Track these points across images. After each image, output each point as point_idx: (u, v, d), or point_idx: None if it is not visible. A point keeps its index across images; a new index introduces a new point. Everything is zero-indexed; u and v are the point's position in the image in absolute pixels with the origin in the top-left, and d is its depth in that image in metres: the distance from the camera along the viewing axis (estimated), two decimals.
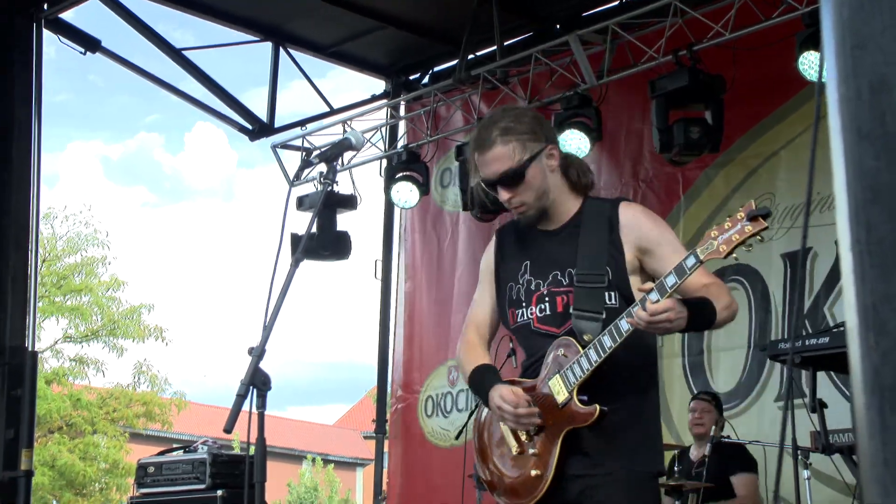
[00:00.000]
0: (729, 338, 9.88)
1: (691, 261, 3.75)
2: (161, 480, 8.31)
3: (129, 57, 12.03)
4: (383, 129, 12.37)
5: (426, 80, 12.41)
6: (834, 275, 9.14)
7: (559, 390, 4.06)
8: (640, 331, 3.88)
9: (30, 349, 10.96)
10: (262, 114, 12.66)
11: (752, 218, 3.70)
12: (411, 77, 12.62)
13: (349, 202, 11.51)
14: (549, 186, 4.15)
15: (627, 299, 4.04)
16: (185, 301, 53.16)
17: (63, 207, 26.06)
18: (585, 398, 4.00)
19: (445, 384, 12.26)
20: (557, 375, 4.08)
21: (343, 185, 11.65)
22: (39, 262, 11.47)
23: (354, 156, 11.38)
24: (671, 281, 3.75)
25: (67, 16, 11.56)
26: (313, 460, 40.30)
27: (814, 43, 8.22)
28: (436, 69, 12.30)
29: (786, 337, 9.20)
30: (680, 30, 9.30)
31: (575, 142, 9.75)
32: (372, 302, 13.38)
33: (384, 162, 12.14)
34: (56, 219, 25.00)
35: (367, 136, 11.69)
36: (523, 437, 4.19)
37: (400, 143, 12.15)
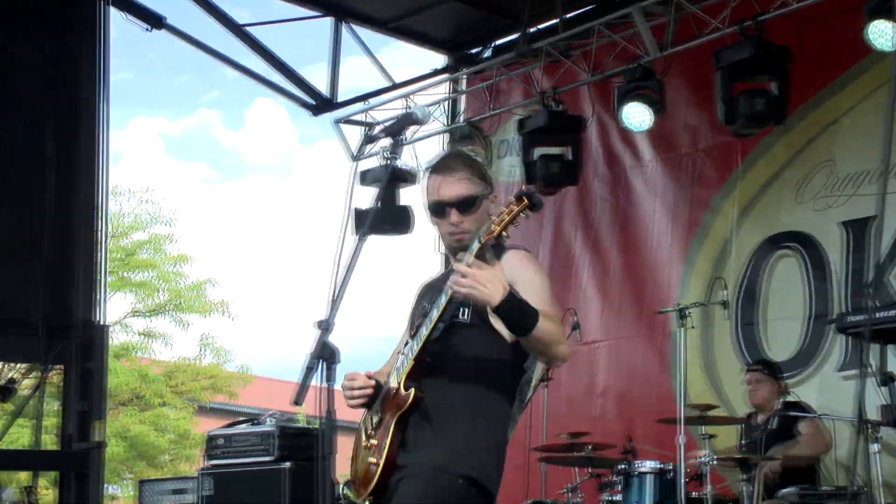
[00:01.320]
0: (784, 307, 9.90)
1: (475, 244, 3.89)
2: (230, 452, 8.36)
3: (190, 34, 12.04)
4: (445, 104, 12.35)
5: (487, 53, 12.32)
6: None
7: (393, 380, 4.21)
8: (476, 337, 4.10)
9: (99, 323, 11.04)
10: (323, 89, 12.63)
11: (518, 198, 3.80)
12: (472, 51, 12.53)
13: (411, 176, 11.48)
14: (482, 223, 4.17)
15: (480, 315, 4.07)
16: (248, 276, 53.26)
17: (128, 186, 26.23)
18: (412, 388, 4.10)
19: None
20: (394, 370, 4.27)
21: (403, 159, 11.63)
22: (107, 239, 11.48)
23: (417, 130, 11.35)
24: (471, 251, 3.87)
25: None
26: None
27: (885, 12, 8.09)
28: (497, 43, 12.24)
29: (848, 307, 9.19)
30: (742, 1, 9.20)
31: (637, 115, 9.92)
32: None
33: (446, 136, 12.11)
34: (122, 195, 25.10)
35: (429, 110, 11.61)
36: (370, 430, 4.29)
37: (461, 118, 12.13)
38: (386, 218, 10.62)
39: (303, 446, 8.13)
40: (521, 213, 3.79)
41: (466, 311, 4.08)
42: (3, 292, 10.20)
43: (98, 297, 11.12)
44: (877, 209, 8.63)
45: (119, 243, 25.00)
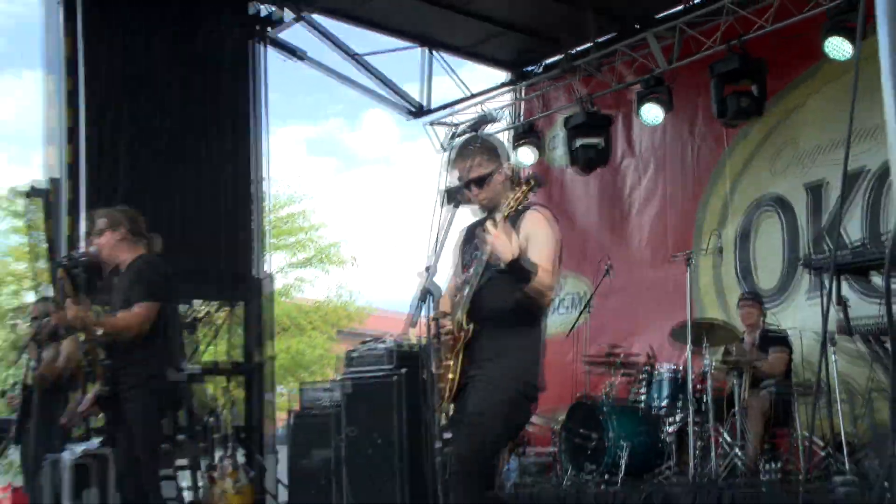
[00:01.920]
0: (769, 250, 9.94)
1: (498, 215, 4.03)
2: (361, 363, 8.41)
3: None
4: (509, 109, 12.42)
5: (539, 70, 12.28)
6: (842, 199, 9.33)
7: (458, 317, 4.23)
8: (510, 283, 4.07)
9: (266, 272, 11.20)
10: (418, 99, 12.68)
11: (526, 182, 4.07)
12: (528, 69, 12.50)
13: None
14: (499, 192, 4.28)
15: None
16: (368, 237, 54.00)
17: (281, 175, 26.48)
18: (471, 324, 4.18)
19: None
20: (457, 309, 4.28)
21: None
22: (268, 212, 11.62)
23: (488, 126, 11.38)
24: (497, 219, 3.99)
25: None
26: None
27: (838, 30, 8.40)
28: (546, 62, 12.16)
29: (811, 250, 9.26)
30: (731, 25, 9.33)
31: (652, 113, 10.16)
32: None
33: (510, 132, 12.14)
34: (278, 181, 25.31)
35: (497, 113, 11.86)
36: (448, 355, 4.27)
37: (521, 119, 12.18)
38: (463, 194, 10.59)
39: (412, 359, 8.15)
40: (529, 192, 4.05)
41: (500, 264, 4.06)
42: (200, 251, 10.31)
43: (264, 253, 11.26)
44: (844, 170, 8.80)
45: (276, 215, 25.21)
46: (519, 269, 3.94)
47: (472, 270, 4.19)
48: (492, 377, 4.11)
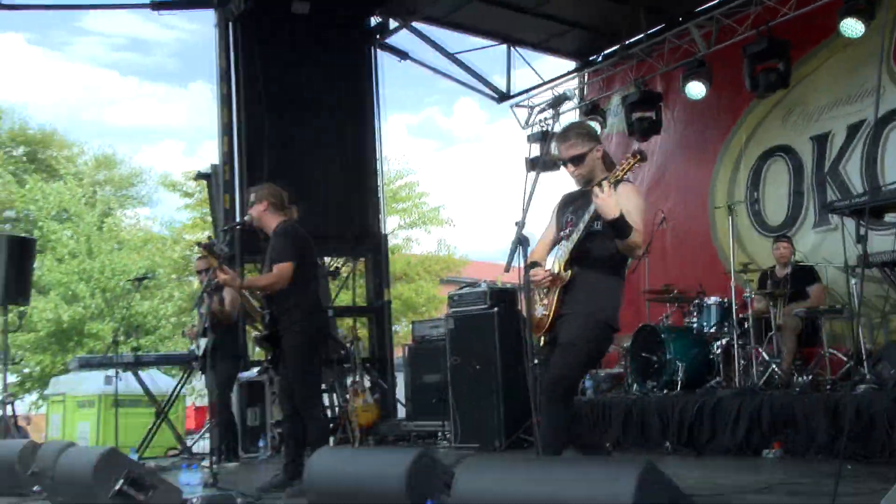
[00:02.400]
0: (776, 191, 9.87)
1: (606, 181, 3.96)
2: (462, 303, 8.44)
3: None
4: (577, 90, 12.29)
5: (600, 58, 12.12)
6: (844, 146, 9.16)
7: (556, 266, 4.25)
8: (604, 239, 4.10)
9: (382, 233, 11.33)
10: (502, 87, 12.67)
11: (633, 155, 4.00)
12: (591, 58, 12.35)
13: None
14: (593, 167, 4.28)
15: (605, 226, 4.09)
16: (465, 201, 54.06)
17: (390, 153, 26.62)
18: (570, 270, 4.18)
19: None
20: (556, 258, 4.30)
21: (556, 124, 11.58)
22: (384, 184, 11.73)
23: (565, 104, 11.34)
24: (604, 185, 3.92)
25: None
26: None
27: (850, 13, 8.35)
28: (606, 52, 12.00)
29: (815, 189, 9.41)
30: (760, 13, 9.15)
31: (696, 88, 9.96)
32: None
33: (577, 111, 12.06)
34: (389, 160, 25.46)
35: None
36: (542, 296, 4.30)
37: (587, 99, 12.06)
38: (545, 162, 10.57)
39: (506, 300, 8.19)
40: (635, 164, 4.00)
41: (598, 223, 4.09)
42: (333, 217, 10.52)
43: (380, 217, 11.39)
44: (875, 117, 8.83)
45: (390, 187, 25.43)
46: (620, 227, 3.93)
47: (574, 227, 4.20)
48: (583, 314, 4.12)
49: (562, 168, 4.36)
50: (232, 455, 7.81)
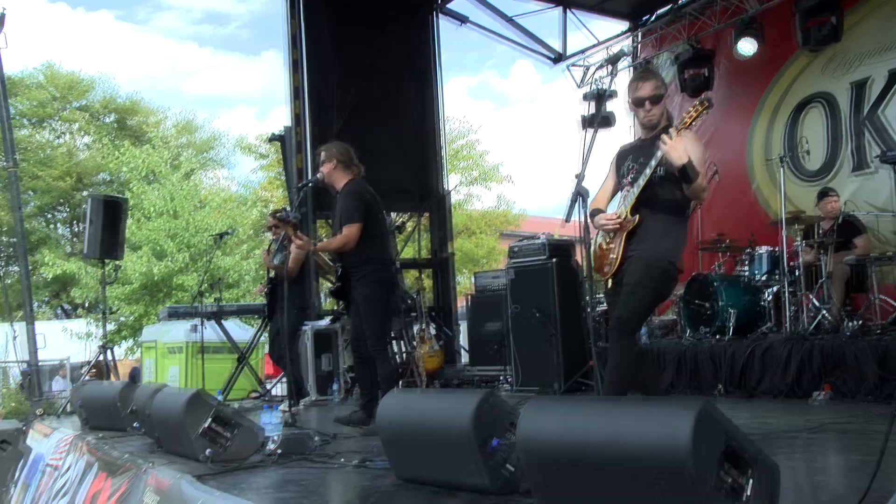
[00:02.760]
0: (814, 137, 9.57)
1: (672, 131, 3.92)
2: (521, 255, 8.40)
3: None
4: (630, 50, 12.02)
5: (653, 18, 11.83)
6: (884, 91, 8.89)
7: (622, 210, 4.21)
8: (670, 181, 4.02)
9: (445, 189, 11.31)
10: (558, 48, 12.44)
11: (701, 103, 3.97)
12: (643, 18, 12.05)
13: (613, 94, 11.21)
14: (664, 112, 4.28)
15: (670, 172, 4.03)
16: (522, 158, 53.80)
17: (452, 114, 26.53)
18: (636, 215, 4.13)
19: None
20: (621, 203, 4.27)
21: (611, 84, 11.41)
22: (446, 143, 11.70)
23: (623, 60, 11.14)
24: (672, 133, 3.90)
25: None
26: None
27: None
28: (658, 12, 11.69)
29: (853, 135, 9.16)
30: None
31: (747, 46, 9.78)
32: None
33: (630, 69, 11.82)
34: (451, 121, 25.39)
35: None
36: (608, 240, 4.28)
37: (640, 57, 11.81)
38: (600, 119, 10.43)
39: (563, 251, 8.13)
40: (703, 112, 3.96)
41: (662, 169, 4.04)
42: (398, 175, 10.54)
43: (442, 174, 11.37)
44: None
45: (451, 146, 25.36)
46: (687, 173, 3.88)
47: (638, 173, 4.16)
48: (648, 257, 4.09)
49: (633, 108, 4.31)
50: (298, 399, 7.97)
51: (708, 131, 10.88)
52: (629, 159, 4.31)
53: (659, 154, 3.98)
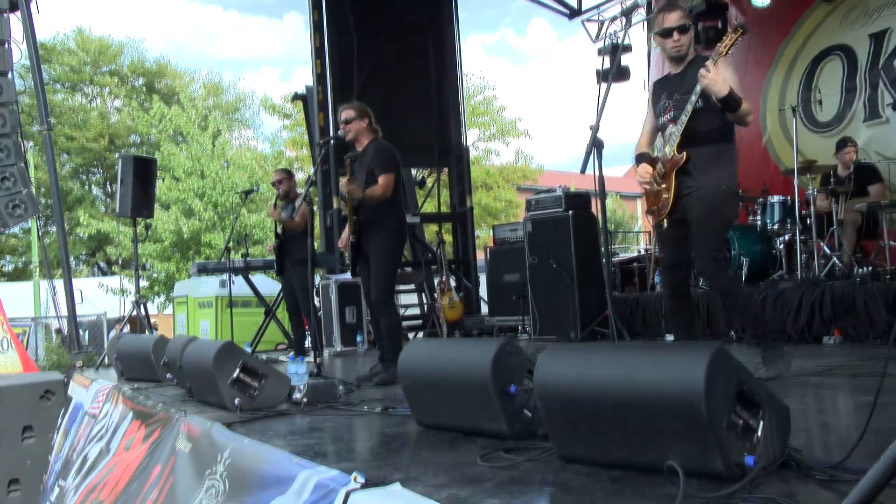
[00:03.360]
0: (829, 90, 9.40)
1: (710, 61, 3.87)
2: (539, 207, 8.33)
3: None
4: (646, 2, 11.75)
5: None
6: None
7: (668, 149, 4.13)
8: (713, 111, 3.94)
9: (464, 144, 11.23)
10: (574, 4, 12.24)
11: (735, 30, 3.89)
12: None
13: (628, 48, 11.03)
14: (690, 43, 4.21)
15: (712, 102, 3.96)
16: (538, 113, 53.43)
17: (470, 70, 26.23)
18: (683, 152, 4.06)
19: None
20: (667, 141, 4.18)
21: (626, 36, 11.18)
22: (465, 99, 11.57)
23: (638, 11, 10.93)
24: (710, 62, 3.86)
25: None
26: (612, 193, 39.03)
27: None
28: None
29: (868, 86, 8.98)
30: None
31: None
32: (643, 103, 12.94)
33: (644, 23, 11.60)
34: (469, 76, 25.12)
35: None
36: (658, 180, 4.20)
37: (654, 9, 11.58)
38: (615, 72, 10.27)
39: (579, 203, 8.06)
40: (738, 38, 3.90)
41: (700, 100, 4.00)
42: (418, 131, 10.46)
43: (462, 130, 11.28)
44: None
45: (470, 102, 25.16)
46: (730, 102, 3.83)
47: (679, 109, 4.09)
48: (705, 191, 4.04)
49: (659, 40, 4.23)
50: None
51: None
52: (663, 97, 4.25)
53: (699, 88, 3.92)
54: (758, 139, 10.12)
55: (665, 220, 4.18)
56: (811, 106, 9.58)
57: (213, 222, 20.41)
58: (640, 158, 4.28)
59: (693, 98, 3.97)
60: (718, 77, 3.80)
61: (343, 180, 5.46)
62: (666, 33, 4.15)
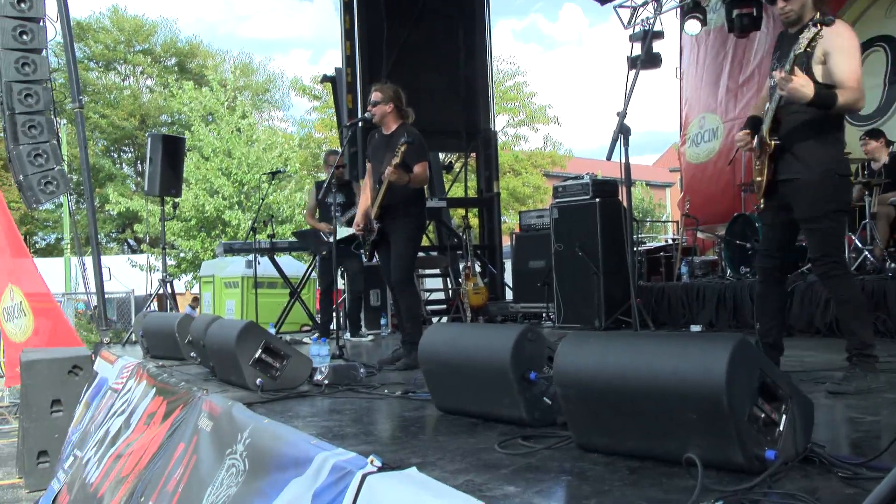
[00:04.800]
0: (871, 80, 8.98)
1: (791, 55, 3.47)
2: (565, 194, 8.28)
3: None
4: None
5: None
6: None
7: (765, 130, 3.76)
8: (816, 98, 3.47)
9: (493, 130, 11.17)
10: None
11: (815, 24, 3.39)
12: None
13: (659, 34, 10.88)
14: (805, 3, 3.75)
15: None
16: (568, 99, 53.16)
17: (499, 54, 26.10)
18: (775, 139, 3.72)
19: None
20: (764, 124, 3.79)
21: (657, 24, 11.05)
22: (495, 85, 11.50)
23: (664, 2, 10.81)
24: (790, 60, 3.46)
25: None
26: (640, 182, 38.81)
27: None
28: None
29: None
30: None
31: None
32: (673, 90, 12.81)
33: (678, 10, 11.44)
34: (498, 61, 24.98)
35: None
36: (758, 158, 3.85)
37: None
38: (646, 59, 10.15)
39: (607, 190, 7.99)
40: (820, 32, 3.40)
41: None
42: (447, 115, 10.41)
43: (491, 115, 11.22)
44: None
45: (500, 87, 25.05)
46: (820, 103, 3.49)
47: (770, 94, 3.76)
48: (806, 182, 3.66)
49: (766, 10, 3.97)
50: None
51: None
52: (775, 57, 3.90)
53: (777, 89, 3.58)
54: None
55: (762, 202, 3.91)
56: None
57: (239, 200, 20.55)
58: (748, 122, 3.96)
59: (777, 94, 3.62)
60: (798, 83, 3.44)
61: (389, 168, 5.38)
62: (772, 1, 3.90)
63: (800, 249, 7.67)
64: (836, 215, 3.70)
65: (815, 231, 3.68)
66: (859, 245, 7.18)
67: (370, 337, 8.10)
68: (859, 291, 3.81)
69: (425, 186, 5.74)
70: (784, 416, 2.11)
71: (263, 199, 15.82)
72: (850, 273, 3.98)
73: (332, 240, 7.42)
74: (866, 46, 9.35)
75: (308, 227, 8.43)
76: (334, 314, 7.72)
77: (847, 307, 3.71)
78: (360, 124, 6.50)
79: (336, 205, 6.86)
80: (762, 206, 3.93)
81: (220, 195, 20.24)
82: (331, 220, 7.45)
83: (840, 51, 3.55)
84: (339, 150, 7.25)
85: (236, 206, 20.35)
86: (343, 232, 7.39)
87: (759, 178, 3.83)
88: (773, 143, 3.71)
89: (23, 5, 7.54)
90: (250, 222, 10.99)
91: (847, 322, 3.73)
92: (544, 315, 8.80)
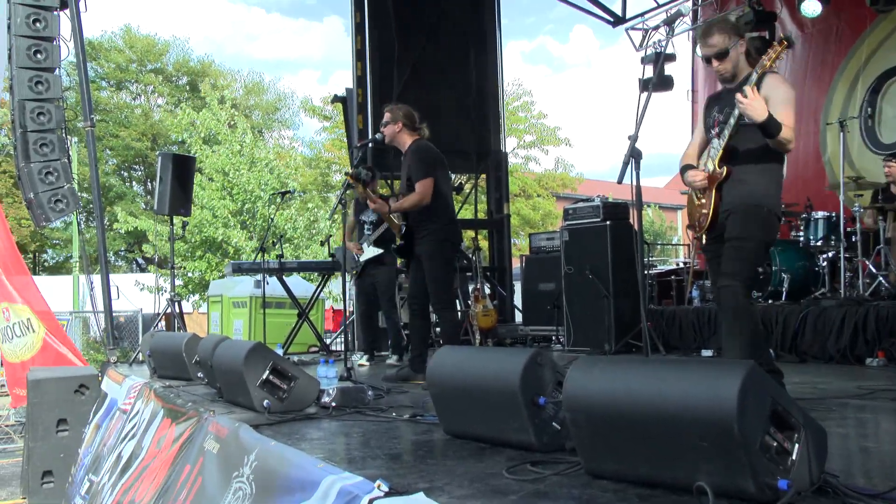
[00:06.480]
0: (893, 109, 9.20)
1: (754, 76, 3.81)
2: (576, 216, 8.29)
3: None
4: (692, 12, 11.71)
5: None
6: None
7: (710, 164, 4.06)
8: (754, 132, 3.78)
9: (503, 151, 11.20)
10: (618, 11, 12.19)
11: (779, 42, 3.76)
12: None
13: (671, 57, 10.92)
14: (737, 63, 4.01)
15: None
16: (579, 121, 53.27)
17: (507, 78, 26.17)
18: (724, 167, 3.98)
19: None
20: (709, 157, 4.10)
21: (669, 45, 11.09)
22: (504, 106, 11.54)
23: (681, 22, 10.84)
24: (746, 90, 3.73)
25: None
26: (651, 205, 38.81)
27: None
28: None
29: None
30: None
31: (811, 7, 9.32)
32: (685, 113, 12.81)
33: (689, 33, 11.48)
34: (507, 84, 25.07)
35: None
36: (699, 195, 4.12)
37: (700, 20, 11.47)
38: (658, 82, 10.18)
39: (618, 213, 8.01)
40: (782, 52, 3.75)
41: (745, 118, 3.84)
42: (454, 136, 10.42)
43: (501, 136, 11.26)
44: None
45: (507, 108, 25.14)
46: (768, 128, 3.70)
47: (724, 124, 3.99)
48: (745, 207, 3.91)
49: (706, 65, 4.16)
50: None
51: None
52: (714, 110, 4.16)
53: (736, 112, 3.84)
54: (816, 158, 9.98)
55: (704, 236, 4.10)
56: (874, 126, 9.39)
57: (243, 220, 20.55)
58: (685, 169, 4.19)
59: (737, 112, 3.86)
60: (755, 102, 3.68)
61: (370, 203, 5.47)
62: (706, 61, 4.09)
63: (811, 274, 7.67)
64: (762, 243, 3.98)
65: (739, 248, 3.90)
66: (873, 270, 7.15)
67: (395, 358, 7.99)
68: (759, 322, 3.94)
69: (447, 202, 5.68)
70: (797, 445, 2.09)
71: (273, 220, 15.86)
72: (754, 302, 4.15)
73: (361, 259, 7.45)
74: (888, 76, 9.34)
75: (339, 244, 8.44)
76: (346, 334, 7.71)
77: (740, 337, 3.90)
78: (370, 145, 6.51)
79: (369, 223, 6.87)
80: (704, 241, 4.13)
81: (219, 220, 20.22)
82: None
83: (782, 101, 3.80)
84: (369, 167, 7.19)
85: (239, 227, 20.34)
86: (370, 252, 7.42)
87: (704, 212, 4.05)
88: (724, 171, 3.96)
89: (38, 24, 7.63)
90: (259, 242, 11.02)
91: (731, 351, 3.93)
92: (554, 338, 8.78)
